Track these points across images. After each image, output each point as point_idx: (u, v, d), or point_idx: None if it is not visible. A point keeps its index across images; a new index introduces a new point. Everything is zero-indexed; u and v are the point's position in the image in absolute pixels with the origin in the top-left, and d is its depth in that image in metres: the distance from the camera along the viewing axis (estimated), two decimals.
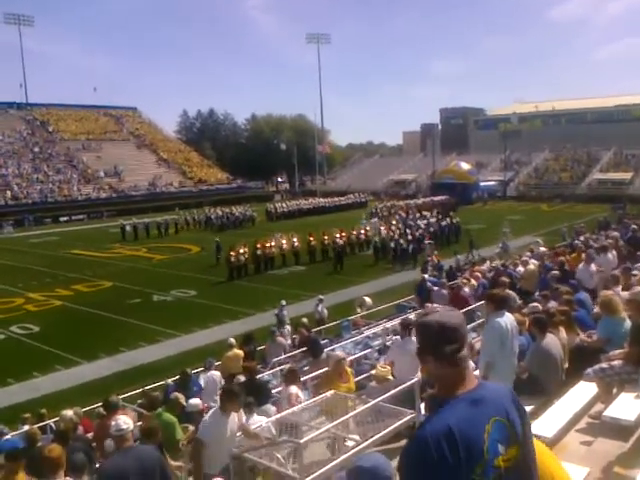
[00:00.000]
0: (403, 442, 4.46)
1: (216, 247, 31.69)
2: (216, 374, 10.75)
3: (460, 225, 37.25)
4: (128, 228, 42.75)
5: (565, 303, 8.68)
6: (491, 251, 27.95)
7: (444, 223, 37.17)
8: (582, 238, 21.84)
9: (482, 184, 65.98)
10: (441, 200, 54.30)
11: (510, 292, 11.36)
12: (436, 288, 15.98)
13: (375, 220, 42.48)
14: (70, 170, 68.55)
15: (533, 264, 15.64)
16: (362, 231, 35.31)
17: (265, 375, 11.31)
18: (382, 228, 35.54)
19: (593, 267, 12.31)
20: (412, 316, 12.40)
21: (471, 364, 4.95)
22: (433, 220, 38.32)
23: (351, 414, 6.72)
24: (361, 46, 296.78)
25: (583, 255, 14.28)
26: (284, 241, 31.79)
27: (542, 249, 20.59)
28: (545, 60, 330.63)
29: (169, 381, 11.19)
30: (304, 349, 13.78)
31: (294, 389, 7.70)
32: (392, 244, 30.97)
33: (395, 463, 2.31)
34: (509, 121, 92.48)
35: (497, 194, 66.45)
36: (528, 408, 2.46)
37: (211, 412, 5.95)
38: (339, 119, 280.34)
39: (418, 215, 42.66)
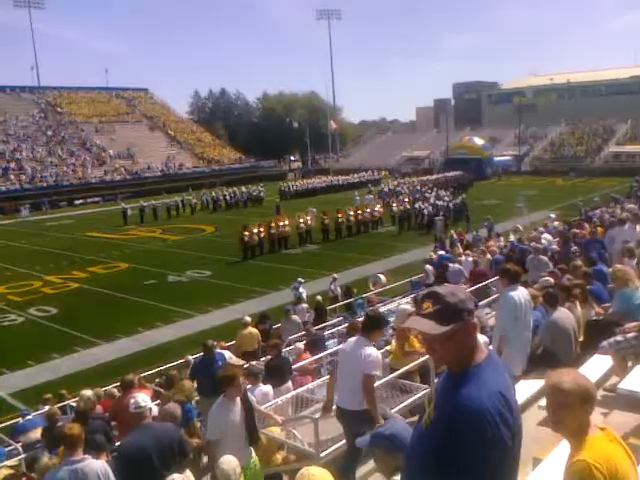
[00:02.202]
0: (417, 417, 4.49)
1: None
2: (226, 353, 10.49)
3: (466, 202, 36.71)
4: (129, 212, 42.32)
5: (581, 276, 8.63)
6: (506, 227, 27.77)
7: (457, 200, 36.94)
8: (598, 212, 21.66)
9: (496, 159, 65.34)
10: (455, 176, 53.98)
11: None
12: (451, 265, 15.92)
13: (371, 197, 43.51)
14: (84, 153, 68.79)
15: (545, 239, 15.52)
16: (375, 209, 35.28)
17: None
18: (394, 204, 35.77)
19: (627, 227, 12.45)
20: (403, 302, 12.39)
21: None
22: (446, 198, 38.09)
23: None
24: (372, 22, 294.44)
25: (599, 229, 14.18)
26: (308, 218, 31.61)
27: (556, 224, 20.42)
28: (560, 32, 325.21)
29: (189, 357, 11.21)
30: (319, 327, 13.88)
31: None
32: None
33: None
34: (523, 95, 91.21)
35: (511, 169, 65.72)
36: (543, 382, 2.55)
37: (215, 405, 5.62)
38: (351, 96, 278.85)
39: (430, 191, 42.60)
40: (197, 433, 7.04)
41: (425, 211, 33.73)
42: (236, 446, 5.31)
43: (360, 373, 5.38)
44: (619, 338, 5.66)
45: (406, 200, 37.48)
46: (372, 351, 5.48)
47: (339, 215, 32.35)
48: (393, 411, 6.10)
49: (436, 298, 2.17)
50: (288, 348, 11.84)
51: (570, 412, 2.43)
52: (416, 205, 35.49)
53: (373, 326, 5.63)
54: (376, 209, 35.32)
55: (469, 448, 1.99)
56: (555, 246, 14.42)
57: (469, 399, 2.03)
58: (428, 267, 17.25)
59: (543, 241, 15.04)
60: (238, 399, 5.58)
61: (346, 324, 13.31)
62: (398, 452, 2.61)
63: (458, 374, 2.14)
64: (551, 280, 8.58)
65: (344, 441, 5.77)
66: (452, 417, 2.05)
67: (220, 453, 5.04)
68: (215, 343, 9.67)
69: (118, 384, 8.42)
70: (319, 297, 16.53)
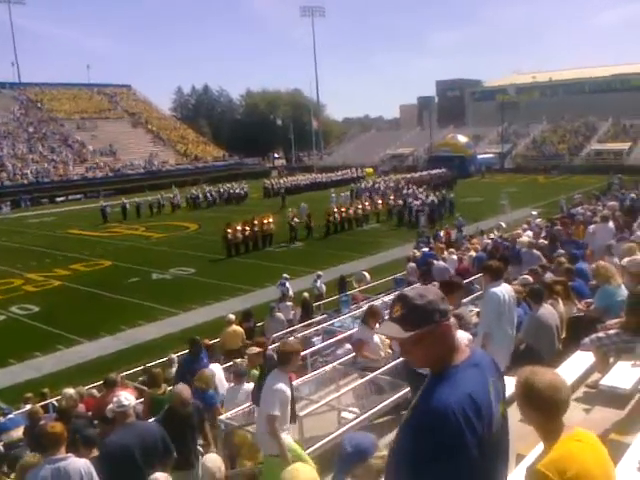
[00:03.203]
0: (402, 414, 4.51)
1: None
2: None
3: (446, 199, 37.14)
4: (108, 209, 42.02)
5: (564, 273, 8.71)
6: (489, 224, 27.95)
7: (432, 199, 37.16)
8: (580, 209, 21.86)
9: (479, 157, 65.75)
10: (438, 173, 54.20)
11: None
12: (436, 262, 15.97)
13: (347, 195, 44.03)
14: (65, 150, 68.17)
15: (527, 236, 15.63)
16: (359, 206, 35.37)
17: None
18: (379, 202, 36.07)
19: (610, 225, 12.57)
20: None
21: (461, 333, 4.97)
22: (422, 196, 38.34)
23: (349, 387, 6.78)
24: (356, 19, 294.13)
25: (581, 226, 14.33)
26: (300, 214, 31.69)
27: (538, 221, 20.60)
28: (544, 30, 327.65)
29: (173, 355, 11.16)
30: (304, 323, 13.90)
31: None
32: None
33: (389, 437, 2.35)
34: (506, 92, 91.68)
35: (495, 167, 66.15)
36: (522, 377, 2.51)
37: (274, 380, 5.52)
38: (335, 93, 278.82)
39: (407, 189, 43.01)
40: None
41: (413, 207, 34.35)
42: (285, 423, 5.42)
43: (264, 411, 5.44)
44: (601, 335, 5.71)
45: (391, 198, 37.68)
46: (279, 387, 5.40)
47: (335, 211, 33.07)
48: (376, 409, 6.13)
49: (404, 301, 2.12)
50: (272, 346, 11.82)
51: (535, 411, 2.37)
52: (409, 200, 36.06)
53: (285, 360, 5.57)
54: (359, 207, 35.38)
55: (427, 452, 1.93)
56: (542, 240, 14.49)
57: (436, 401, 1.98)
58: (411, 265, 17.28)
59: (525, 238, 15.15)
60: (290, 376, 5.67)
61: (333, 320, 13.38)
62: (369, 457, 2.63)
63: (437, 375, 2.10)
64: (530, 279, 8.64)
65: (330, 437, 5.79)
66: (417, 418, 2.03)
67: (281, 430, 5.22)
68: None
69: (101, 382, 8.37)
70: (306, 294, 16.54)
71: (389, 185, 46.99)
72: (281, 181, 56.44)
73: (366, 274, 19.29)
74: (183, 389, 5.88)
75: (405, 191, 41.42)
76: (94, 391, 9.18)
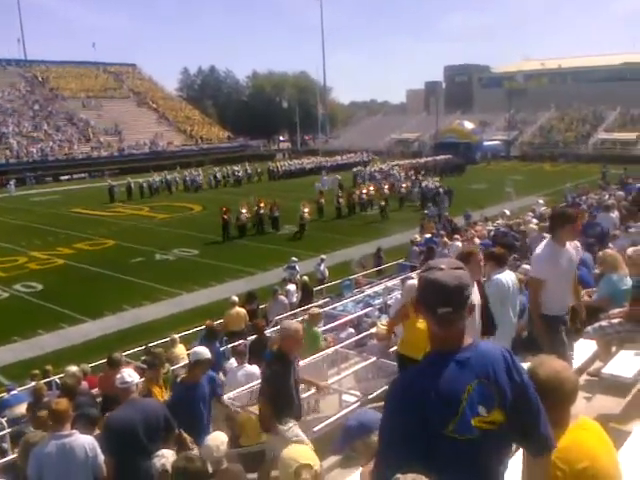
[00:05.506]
0: None
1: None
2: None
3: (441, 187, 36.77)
4: (116, 189, 42.03)
5: None
6: (494, 211, 27.87)
7: (426, 184, 37.51)
8: (584, 198, 21.78)
9: (485, 144, 65.38)
10: (445, 159, 53.98)
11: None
12: (439, 249, 15.97)
13: (334, 178, 44.27)
14: (70, 128, 68.02)
15: (534, 223, 15.58)
16: (364, 191, 35.28)
17: (266, 333, 11.41)
18: (386, 187, 35.96)
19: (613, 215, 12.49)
20: (413, 275, 12.41)
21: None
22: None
23: (352, 370, 6.81)
24: (364, 1, 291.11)
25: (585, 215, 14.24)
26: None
27: (543, 208, 20.52)
28: (554, 16, 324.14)
29: (175, 335, 11.22)
30: (305, 307, 13.92)
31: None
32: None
33: None
34: (515, 79, 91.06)
35: (501, 154, 65.81)
36: (526, 366, 2.43)
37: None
38: (342, 76, 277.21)
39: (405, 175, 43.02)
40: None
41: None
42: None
43: None
44: (604, 324, 5.71)
45: (403, 186, 37.49)
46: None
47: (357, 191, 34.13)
48: (377, 393, 6.14)
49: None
50: (275, 328, 11.87)
51: (545, 403, 2.22)
52: (423, 184, 37.18)
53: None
54: (364, 191, 35.30)
55: (384, 413, 2.17)
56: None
57: (404, 374, 2.26)
58: (414, 249, 17.42)
59: (532, 225, 15.12)
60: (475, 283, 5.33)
61: (335, 304, 13.40)
62: (371, 434, 2.66)
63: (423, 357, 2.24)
64: (529, 268, 8.58)
65: (332, 419, 5.82)
66: None
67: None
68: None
69: (105, 360, 8.42)
70: (306, 277, 16.58)
71: (390, 172, 46.48)
72: (286, 164, 56.31)
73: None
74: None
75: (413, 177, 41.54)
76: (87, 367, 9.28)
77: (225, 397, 6.47)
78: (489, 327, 5.29)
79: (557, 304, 5.17)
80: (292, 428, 4.99)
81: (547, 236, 10.96)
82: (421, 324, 5.18)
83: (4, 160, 56.51)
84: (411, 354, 5.33)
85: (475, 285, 5.02)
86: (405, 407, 2.04)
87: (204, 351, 5.67)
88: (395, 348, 6.23)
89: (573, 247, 5.50)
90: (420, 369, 2.12)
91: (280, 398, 5.04)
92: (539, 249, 5.21)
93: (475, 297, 4.90)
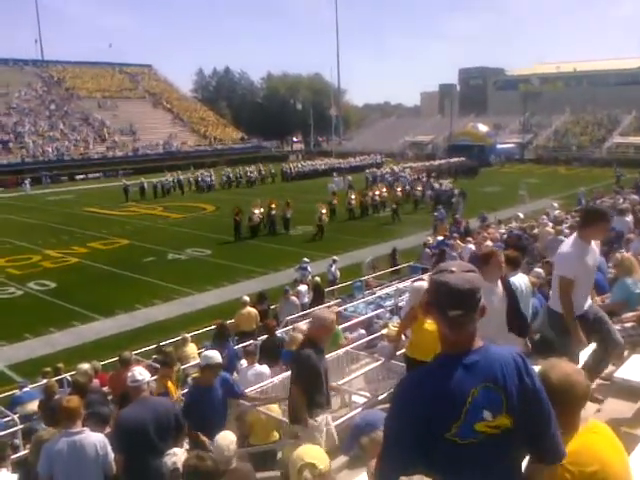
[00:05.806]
0: None
1: None
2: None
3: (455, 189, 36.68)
4: (131, 189, 42.08)
5: None
6: (507, 214, 27.74)
7: (439, 186, 37.57)
8: (599, 202, 21.59)
9: (500, 146, 65.10)
10: (459, 162, 53.79)
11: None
12: (450, 253, 15.91)
13: (345, 179, 44.92)
14: (86, 128, 68.51)
15: (550, 227, 15.50)
16: (377, 192, 35.22)
17: (277, 333, 11.41)
18: (399, 189, 35.87)
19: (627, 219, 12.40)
20: (423, 278, 12.38)
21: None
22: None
23: (362, 371, 6.79)
24: (379, 3, 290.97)
25: None
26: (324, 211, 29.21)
27: (557, 212, 20.41)
28: (569, 18, 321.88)
29: (186, 335, 11.24)
30: (316, 308, 13.90)
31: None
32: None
33: None
34: (529, 82, 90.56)
35: (515, 157, 65.48)
36: (537, 369, 2.37)
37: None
38: (356, 78, 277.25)
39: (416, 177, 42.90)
40: None
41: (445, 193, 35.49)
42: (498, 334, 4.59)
43: None
44: (617, 327, 5.66)
45: (418, 189, 37.33)
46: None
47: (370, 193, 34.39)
48: (387, 394, 6.12)
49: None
50: (286, 328, 11.88)
51: (556, 407, 2.17)
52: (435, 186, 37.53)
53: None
54: (377, 193, 35.24)
55: (390, 408, 2.18)
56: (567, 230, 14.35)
57: (413, 373, 2.26)
58: (427, 251, 17.42)
59: (548, 228, 15.06)
60: (499, 283, 5.09)
61: (346, 305, 13.39)
62: (376, 430, 2.74)
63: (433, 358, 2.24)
64: (542, 272, 8.53)
65: (339, 421, 5.80)
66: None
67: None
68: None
69: (116, 359, 8.46)
70: (317, 278, 16.58)
71: (400, 174, 46.27)
72: (299, 165, 56.38)
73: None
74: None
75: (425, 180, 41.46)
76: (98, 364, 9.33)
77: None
78: (521, 328, 5.23)
79: (580, 303, 5.10)
80: (321, 423, 4.99)
81: (563, 239, 10.89)
82: (429, 326, 5.16)
83: (20, 159, 56.99)
84: (418, 356, 5.31)
85: (500, 284, 5.02)
86: (411, 406, 2.04)
87: (215, 355, 5.67)
88: (403, 350, 6.20)
89: (596, 245, 5.43)
90: (429, 370, 2.12)
91: (312, 385, 5.00)
92: (566, 247, 5.07)
93: (496, 297, 4.89)
